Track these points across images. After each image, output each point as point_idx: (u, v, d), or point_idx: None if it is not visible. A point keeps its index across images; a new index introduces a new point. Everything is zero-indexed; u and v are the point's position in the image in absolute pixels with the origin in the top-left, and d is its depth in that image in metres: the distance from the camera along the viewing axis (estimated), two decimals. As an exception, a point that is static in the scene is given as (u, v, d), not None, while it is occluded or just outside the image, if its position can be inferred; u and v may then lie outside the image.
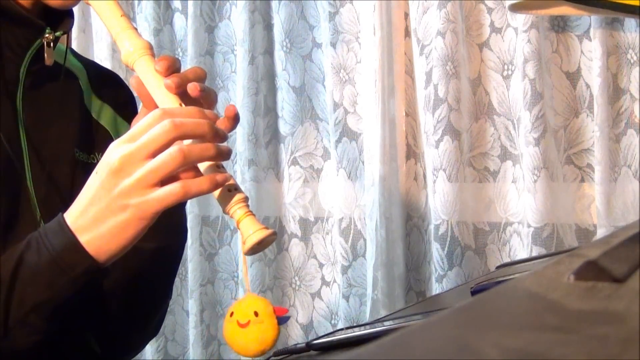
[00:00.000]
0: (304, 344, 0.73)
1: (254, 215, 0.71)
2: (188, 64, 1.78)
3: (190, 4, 1.78)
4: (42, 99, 0.88)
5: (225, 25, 1.80)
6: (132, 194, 0.68)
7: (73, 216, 0.72)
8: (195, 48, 1.78)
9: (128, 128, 0.84)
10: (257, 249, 0.70)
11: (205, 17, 1.80)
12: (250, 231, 0.70)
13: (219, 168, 0.73)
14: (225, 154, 0.71)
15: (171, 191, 0.68)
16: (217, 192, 0.71)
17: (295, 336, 1.72)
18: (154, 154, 0.68)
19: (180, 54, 1.85)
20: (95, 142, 0.93)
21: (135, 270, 0.85)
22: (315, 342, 0.73)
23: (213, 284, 1.81)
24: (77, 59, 0.98)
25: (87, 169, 0.89)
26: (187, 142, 0.71)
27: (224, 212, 0.71)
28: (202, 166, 0.72)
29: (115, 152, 0.70)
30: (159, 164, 0.68)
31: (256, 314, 0.70)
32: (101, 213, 0.70)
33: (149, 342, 1.02)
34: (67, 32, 0.88)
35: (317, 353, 0.72)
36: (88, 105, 0.95)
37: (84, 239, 0.71)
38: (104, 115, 0.96)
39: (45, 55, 0.85)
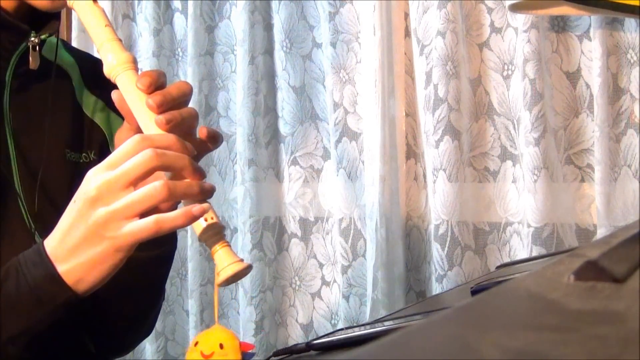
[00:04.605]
0: (304, 344, 0.73)
1: (229, 246, 0.70)
2: (188, 64, 1.78)
3: (190, 4, 1.78)
4: (31, 101, 0.86)
5: (225, 25, 1.80)
6: (108, 226, 0.67)
7: (52, 245, 0.70)
8: (195, 48, 1.78)
9: (121, 124, 0.84)
10: (231, 280, 0.69)
11: (205, 17, 1.80)
12: (225, 263, 0.69)
13: None
14: (208, 193, 0.69)
15: (144, 227, 0.67)
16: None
17: (295, 336, 1.72)
18: (133, 183, 0.67)
19: (180, 54, 1.85)
20: (87, 140, 0.92)
21: (129, 276, 0.85)
22: (315, 342, 0.73)
23: (213, 284, 1.81)
24: (69, 53, 0.96)
25: (78, 169, 0.88)
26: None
27: (199, 240, 0.70)
28: None
29: (93, 181, 0.68)
30: (142, 197, 0.66)
31: (221, 346, 0.69)
32: (79, 243, 0.69)
33: (144, 339, 1.02)
34: (53, 34, 0.87)
35: (317, 353, 0.72)
36: (80, 102, 0.93)
37: (62, 269, 0.69)
38: (97, 111, 0.94)
39: (30, 59, 0.84)
